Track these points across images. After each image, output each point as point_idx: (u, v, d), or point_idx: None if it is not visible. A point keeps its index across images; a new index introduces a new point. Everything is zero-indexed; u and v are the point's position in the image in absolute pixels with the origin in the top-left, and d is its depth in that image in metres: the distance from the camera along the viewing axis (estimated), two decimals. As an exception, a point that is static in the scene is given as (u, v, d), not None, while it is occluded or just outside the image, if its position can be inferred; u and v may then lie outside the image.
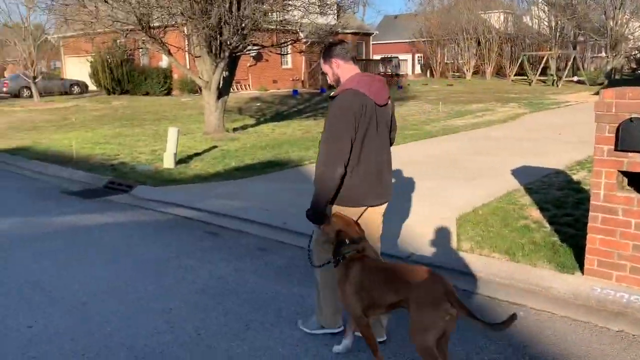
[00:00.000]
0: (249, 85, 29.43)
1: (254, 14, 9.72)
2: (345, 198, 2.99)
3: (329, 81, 3.30)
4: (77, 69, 32.49)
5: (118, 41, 27.37)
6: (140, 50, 28.70)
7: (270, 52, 12.51)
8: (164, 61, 27.46)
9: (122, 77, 27.10)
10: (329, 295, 3.15)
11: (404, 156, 9.43)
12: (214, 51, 11.13)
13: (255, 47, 12.10)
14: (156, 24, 11.55)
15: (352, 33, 33.12)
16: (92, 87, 29.17)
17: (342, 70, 3.06)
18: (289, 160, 9.34)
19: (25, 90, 27.18)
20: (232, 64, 12.03)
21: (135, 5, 9.98)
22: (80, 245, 5.10)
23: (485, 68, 41.28)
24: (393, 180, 3.37)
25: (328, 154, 2.89)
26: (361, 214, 3.06)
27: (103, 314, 3.61)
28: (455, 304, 2.46)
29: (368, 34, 37.42)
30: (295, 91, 25.41)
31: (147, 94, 26.93)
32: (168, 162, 9.10)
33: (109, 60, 26.64)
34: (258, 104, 21.50)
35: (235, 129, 13.34)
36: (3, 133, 13.97)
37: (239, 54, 11.59)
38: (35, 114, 19.18)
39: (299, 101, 23.03)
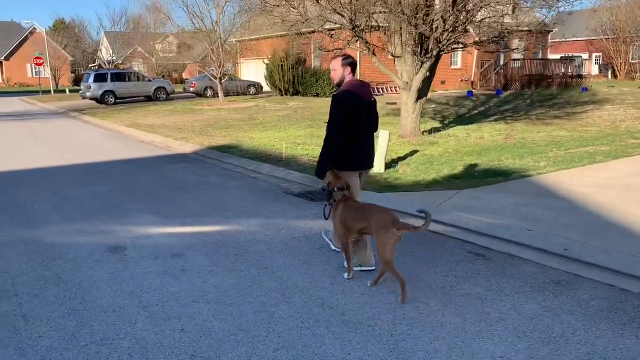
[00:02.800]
0: (416, 86, 28.68)
1: (477, 9, 8.93)
2: (345, 166, 4.36)
3: (332, 77, 4.43)
4: (250, 70, 34.45)
5: (293, 44, 28.40)
6: (312, 52, 29.46)
7: (477, 49, 11.59)
8: (335, 62, 27.77)
9: (295, 78, 27.99)
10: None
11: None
12: (419, 50, 10.55)
13: (461, 45, 11.24)
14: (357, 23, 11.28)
15: (527, 31, 30.61)
16: (265, 88, 30.60)
17: (347, 76, 4.33)
18: (509, 170, 8.40)
19: (208, 90, 29.34)
20: (433, 64, 11.36)
21: (345, 4, 9.76)
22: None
23: (684, 68, 35.79)
24: None
25: (331, 132, 4.23)
26: (358, 176, 4.51)
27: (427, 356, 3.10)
28: (400, 227, 3.76)
29: (546, 32, 34.39)
30: (469, 92, 24.06)
31: (316, 95, 27.49)
32: (378, 166, 8.70)
33: (284, 63, 27.64)
34: (433, 106, 20.63)
35: (426, 132, 12.67)
36: (203, 130, 14.86)
37: (444, 52, 10.88)
38: (223, 112, 20.40)
39: (475, 103, 21.70)
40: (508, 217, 5.75)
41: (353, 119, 4.20)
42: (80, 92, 27.13)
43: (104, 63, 42.38)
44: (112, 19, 73.65)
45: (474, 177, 8.12)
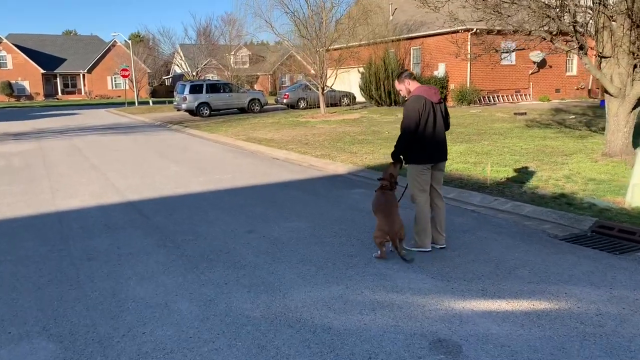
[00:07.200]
0: (529, 94, 26.15)
1: None
2: (419, 160, 5.07)
3: (402, 95, 5.33)
4: (342, 80, 32.89)
5: (390, 51, 26.57)
6: (412, 60, 27.55)
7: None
8: (439, 71, 25.79)
9: (393, 87, 26.12)
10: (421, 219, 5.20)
11: None
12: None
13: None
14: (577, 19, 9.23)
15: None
16: (359, 98, 28.91)
17: (411, 85, 5.21)
18: None
19: (301, 101, 27.94)
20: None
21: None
22: None
23: None
24: None
25: (405, 129, 5.00)
26: (431, 168, 5.15)
27: None
28: (392, 237, 4.89)
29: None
30: (603, 102, 21.40)
31: (419, 105, 25.50)
32: (638, 200, 6.65)
33: (381, 71, 25.87)
34: (572, 117, 18.22)
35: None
36: (335, 146, 13.19)
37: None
38: (335, 125, 18.76)
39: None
40: None
41: (423, 118, 4.99)
42: (175, 103, 26.26)
43: (188, 74, 42.07)
44: (198, 30, 74.39)
45: None
